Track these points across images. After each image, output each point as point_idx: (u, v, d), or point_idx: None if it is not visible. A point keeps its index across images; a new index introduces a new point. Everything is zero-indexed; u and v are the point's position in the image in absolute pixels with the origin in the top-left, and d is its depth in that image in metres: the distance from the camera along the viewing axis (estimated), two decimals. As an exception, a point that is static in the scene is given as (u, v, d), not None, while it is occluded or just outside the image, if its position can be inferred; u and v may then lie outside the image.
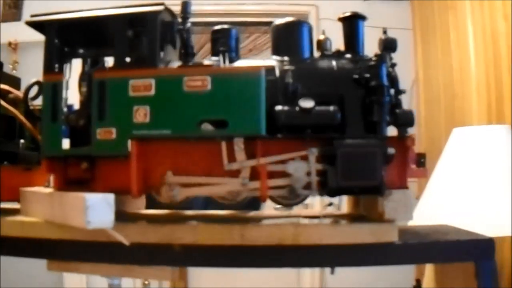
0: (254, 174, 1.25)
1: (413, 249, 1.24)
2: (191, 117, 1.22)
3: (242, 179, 1.25)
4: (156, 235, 1.24)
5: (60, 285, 4.24)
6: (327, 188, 1.24)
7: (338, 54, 1.39)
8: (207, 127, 1.23)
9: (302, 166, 1.24)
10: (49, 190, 1.29)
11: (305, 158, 1.25)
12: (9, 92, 1.41)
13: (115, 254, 1.25)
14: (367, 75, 1.29)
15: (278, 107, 1.26)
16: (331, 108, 1.27)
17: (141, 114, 1.23)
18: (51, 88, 1.26)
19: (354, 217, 1.38)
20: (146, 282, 3.68)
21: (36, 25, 1.27)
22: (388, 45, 1.38)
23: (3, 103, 1.37)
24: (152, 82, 1.23)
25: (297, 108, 1.26)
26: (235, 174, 1.26)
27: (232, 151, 1.25)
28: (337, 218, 1.36)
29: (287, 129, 1.26)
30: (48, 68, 1.26)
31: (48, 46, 1.26)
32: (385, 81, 1.28)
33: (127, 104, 1.23)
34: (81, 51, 1.37)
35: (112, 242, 1.21)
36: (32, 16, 1.28)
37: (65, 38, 1.29)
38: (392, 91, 1.32)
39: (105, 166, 1.28)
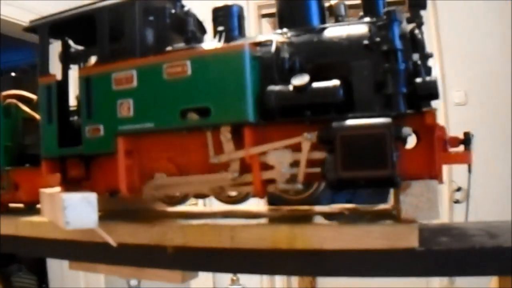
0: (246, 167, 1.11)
1: (438, 258, 0.97)
2: (172, 107, 1.13)
3: (232, 173, 1.11)
4: (147, 236, 1.17)
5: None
6: (326, 180, 1.04)
7: (357, 19, 1.17)
8: (192, 117, 1.13)
9: (285, 156, 1.06)
10: (52, 190, 1.30)
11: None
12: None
13: (106, 255, 1.21)
14: (378, 39, 1.06)
15: (269, 88, 1.10)
16: (331, 83, 1.06)
17: (125, 108, 1.18)
18: (46, 90, 1.27)
19: (379, 215, 1.15)
20: (234, 278, 3.62)
21: (32, 30, 1.30)
22: (415, 1, 1.12)
23: (24, 107, 1.43)
24: (134, 73, 1.17)
25: (290, 87, 1.08)
26: (225, 167, 1.13)
27: (218, 142, 1.13)
28: (357, 216, 1.15)
29: (281, 112, 1.09)
30: (42, 70, 1.28)
31: (41, 48, 1.27)
32: (398, 44, 1.03)
33: (112, 98, 1.19)
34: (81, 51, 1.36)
35: (103, 242, 1.17)
36: (31, 22, 1.31)
37: (60, 38, 1.30)
38: (415, 56, 1.07)
39: (101, 164, 1.26)
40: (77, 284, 4.67)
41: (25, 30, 1.30)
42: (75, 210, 1.12)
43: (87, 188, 1.24)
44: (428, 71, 1.08)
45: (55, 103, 1.26)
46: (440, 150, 1.02)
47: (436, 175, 1.01)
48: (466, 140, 1.07)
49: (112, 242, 1.17)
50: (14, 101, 1.48)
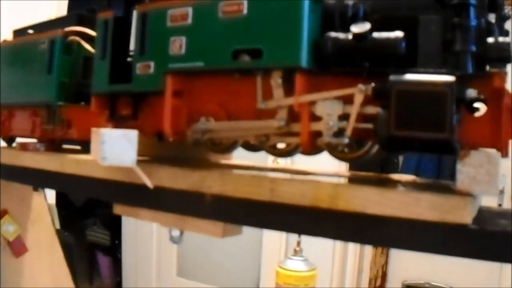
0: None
1: (492, 240, 0.93)
2: (224, 47, 1.17)
3: (278, 121, 1.14)
4: (186, 182, 1.23)
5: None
6: (377, 137, 1.03)
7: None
8: (244, 58, 1.16)
9: (335, 107, 1.06)
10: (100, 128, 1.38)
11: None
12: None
13: (146, 199, 1.28)
14: (450, -8, 1.02)
15: (327, 34, 1.10)
16: (393, 34, 1.05)
17: (177, 46, 1.23)
18: (102, 24, 1.35)
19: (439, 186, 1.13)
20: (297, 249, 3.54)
21: None
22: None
23: (87, 45, 1.53)
24: (190, 10, 1.22)
25: (349, 35, 1.08)
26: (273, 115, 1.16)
27: (270, 88, 1.15)
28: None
29: (337, 61, 1.10)
30: (101, 4, 1.36)
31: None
32: (473, -3, 0.99)
33: (165, 35, 1.25)
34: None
35: (143, 185, 1.24)
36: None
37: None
38: (491, 16, 1.03)
39: (149, 104, 1.33)
40: (149, 244, 4.94)
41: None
42: (114, 146, 1.19)
43: (134, 127, 1.31)
44: (505, 34, 1.04)
45: (110, 39, 1.34)
46: (508, 120, 0.98)
47: (501, 148, 0.97)
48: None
49: (149, 183, 1.23)
50: (77, 38, 1.58)
